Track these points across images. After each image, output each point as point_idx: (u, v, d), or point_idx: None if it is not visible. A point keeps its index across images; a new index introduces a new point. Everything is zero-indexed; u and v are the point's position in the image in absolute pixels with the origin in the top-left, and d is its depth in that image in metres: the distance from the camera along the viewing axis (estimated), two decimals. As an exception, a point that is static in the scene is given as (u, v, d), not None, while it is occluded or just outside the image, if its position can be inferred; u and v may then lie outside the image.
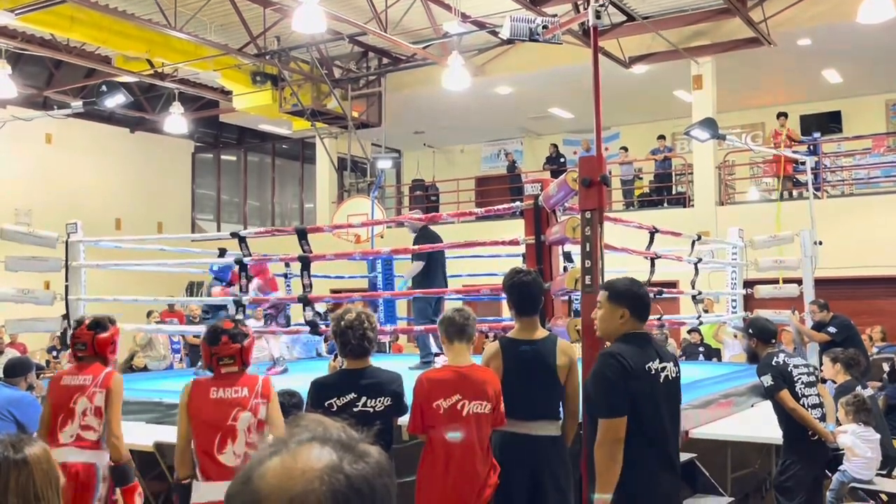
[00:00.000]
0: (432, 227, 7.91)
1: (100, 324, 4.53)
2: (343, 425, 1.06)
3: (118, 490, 4.39)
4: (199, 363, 9.42)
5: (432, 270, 7.57)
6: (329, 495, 0.96)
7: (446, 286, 7.75)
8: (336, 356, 4.89)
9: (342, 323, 3.87)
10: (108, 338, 4.53)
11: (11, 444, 2.53)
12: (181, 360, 11.17)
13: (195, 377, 4.18)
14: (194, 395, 3.91)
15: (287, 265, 8.20)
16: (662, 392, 3.32)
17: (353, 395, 3.83)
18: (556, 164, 16.95)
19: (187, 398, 3.91)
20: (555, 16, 6.92)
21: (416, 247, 7.16)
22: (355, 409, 3.76)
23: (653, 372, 3.30)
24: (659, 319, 8.26)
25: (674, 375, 3.39)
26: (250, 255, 7.24)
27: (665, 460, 3.33)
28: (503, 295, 4.43)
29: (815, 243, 9.17)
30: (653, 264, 7.55)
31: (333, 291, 13.12)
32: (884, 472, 5.81)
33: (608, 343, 3.46)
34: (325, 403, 3.78)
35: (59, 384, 4.44)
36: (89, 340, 4.47)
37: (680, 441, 3.59)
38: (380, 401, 3.86)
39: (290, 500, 0.97)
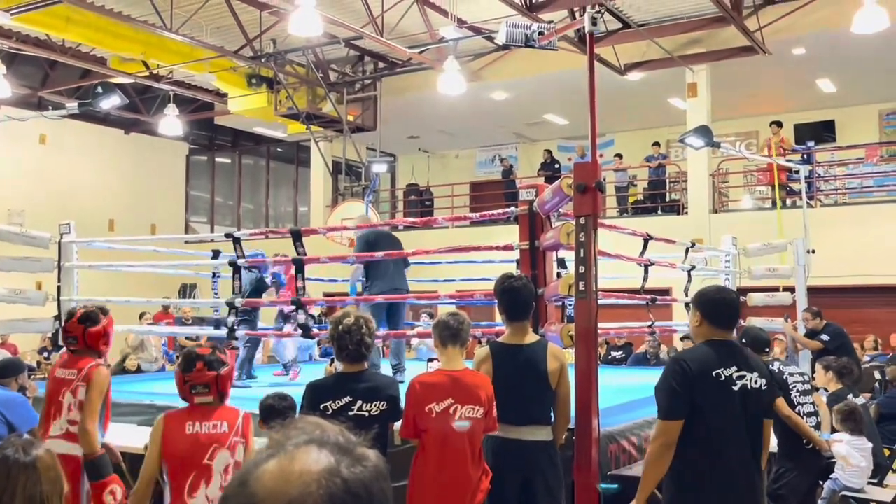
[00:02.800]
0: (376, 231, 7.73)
1: (90, 317, 4.42)
2: (341, 428, 1.05)
3: (88, 485, 4.19)
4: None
5: (371, 276, 7.33)
6: (326, 499, 0.95)
7: (393, 289, 7.32)
8: (332, 361, 4.88)
9: (340, 327, 3.84)
10: (100, 330, 4.42)
11: (22, 447, 2.50)
12: (173, 362, 11.12)
13: (167, 411, 3.80)
14: (168, 429, 3.58)
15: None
16: (738, 401, 3.28)
17: (348, 399, 3.80)
18: (550, 169, 16.97)
19: (161, 433, 3.58)
20: (551, 22, 6.94)
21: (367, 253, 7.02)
22: (350, 413, 3.74)
23: (722, 379, 3.25)
24: (650, 326, 8.31)
25: (755, 385, 3.34)
26: (244, 256, 7.19)
27: (736, 470, 3.29)
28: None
29: (808, 252, 9.19)
30: (646, 271, 7.57)
31: (327, 295, 13.10)
32: (875, 481, 5.82)
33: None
34: (321, 406, 3.75)
35: (54, 375, 4.44)
36: (80, 334, 4.39)
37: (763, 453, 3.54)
38: (375, 405, 3.83)
39: None
